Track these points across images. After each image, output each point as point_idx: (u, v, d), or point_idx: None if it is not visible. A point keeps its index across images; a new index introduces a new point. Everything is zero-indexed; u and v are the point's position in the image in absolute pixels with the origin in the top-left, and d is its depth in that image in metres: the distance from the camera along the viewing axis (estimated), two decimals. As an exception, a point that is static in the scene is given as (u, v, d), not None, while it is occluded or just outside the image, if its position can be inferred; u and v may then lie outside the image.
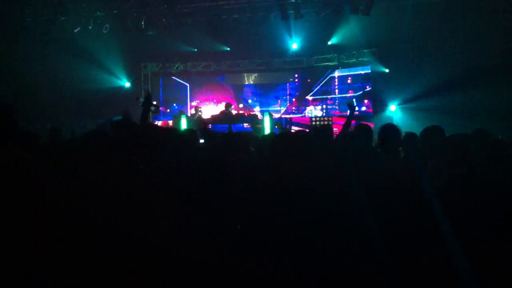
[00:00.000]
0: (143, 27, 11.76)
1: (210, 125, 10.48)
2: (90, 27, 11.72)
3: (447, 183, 2.42)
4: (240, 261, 1.83)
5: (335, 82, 15.70)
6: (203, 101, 17.34)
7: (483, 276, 2.01)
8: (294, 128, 12.49)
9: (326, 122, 11.59)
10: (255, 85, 16.88)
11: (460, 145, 2.71)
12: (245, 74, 16.54)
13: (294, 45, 13.77)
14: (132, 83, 15.07)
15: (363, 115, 13.45)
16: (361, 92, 14.16)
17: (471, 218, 2.21)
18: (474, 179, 2.47)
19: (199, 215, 1.77)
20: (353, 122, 4.40)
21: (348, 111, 4.85)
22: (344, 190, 2.09)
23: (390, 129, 3.31)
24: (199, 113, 14.10)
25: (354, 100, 5.84)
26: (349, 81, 15.37)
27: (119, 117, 4.11)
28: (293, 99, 16.96)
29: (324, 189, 2.04)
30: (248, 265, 1.82)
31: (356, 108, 5.08)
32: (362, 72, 14.37)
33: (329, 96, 15.94)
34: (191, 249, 1.71)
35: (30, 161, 2.09)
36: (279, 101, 17.22)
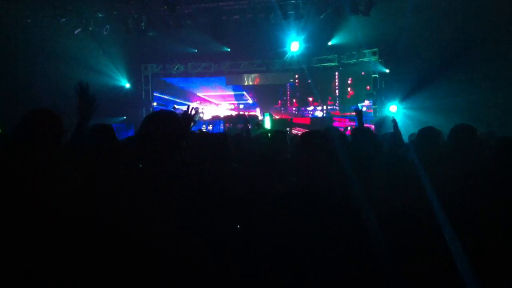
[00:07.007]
0: (143, 28, 11.74)
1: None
2: (90, 28, 11.71)
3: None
4: (241, 261, 1.82)
5: (335, 82, 15.71)
6: (203, 102, 17.36)
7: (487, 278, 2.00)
8: (296, 129, 12.49)
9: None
10: (255, 86, 16.88)
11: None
12: (245, 75, 16.53)
13: (295, 45, 13.74)
14: (133, 84, 15.06)
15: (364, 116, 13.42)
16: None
17: (474, 217, 2.20)
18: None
19: (200, 215, 1.76)
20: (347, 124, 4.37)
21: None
22: (346, 192, 2.08)
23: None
24: (200, 114, 14.13)
25: (359, 105, 5.77)
26: (349, 82, 15.39)
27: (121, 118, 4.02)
28: (294, 100, 16.98)
29: (325, 190, 2.04)
30: (249, 266, 1.81)
31: (364, 108, 5.03)
32: (363, 72, 14.37)
33: (329, 97, 15.95)
34: (191, 250, 1.71)
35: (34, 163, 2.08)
36: (279, 101, 17.23)
